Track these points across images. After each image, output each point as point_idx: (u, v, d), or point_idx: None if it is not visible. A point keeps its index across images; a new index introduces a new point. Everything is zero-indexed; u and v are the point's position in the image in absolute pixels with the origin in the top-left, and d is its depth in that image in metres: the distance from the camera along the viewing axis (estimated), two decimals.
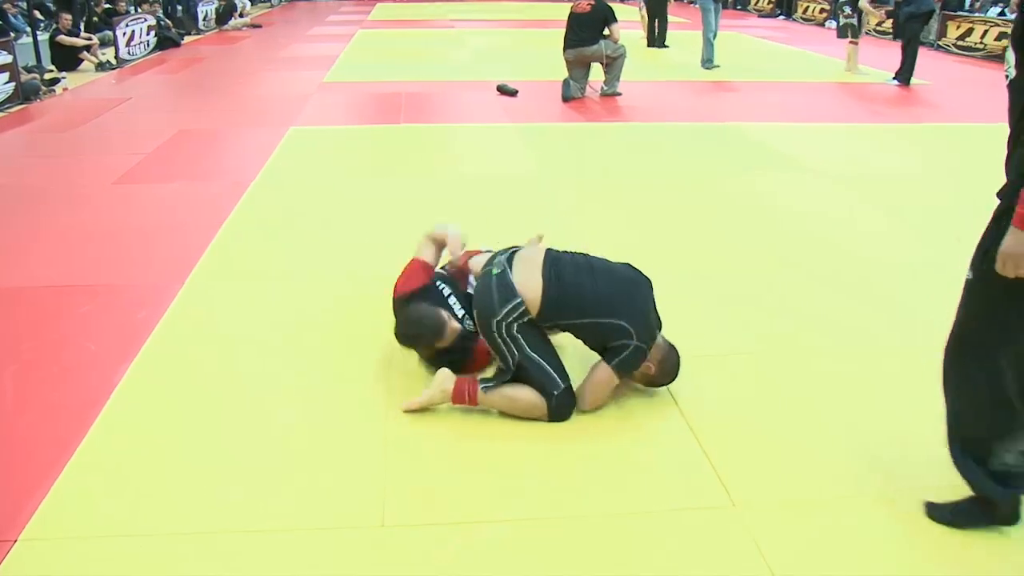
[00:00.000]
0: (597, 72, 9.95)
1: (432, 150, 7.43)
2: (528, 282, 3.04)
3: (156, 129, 8.09)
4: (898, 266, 4.76)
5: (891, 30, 16.40)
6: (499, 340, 3.07)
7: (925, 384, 3.48)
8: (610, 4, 9.60)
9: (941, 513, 2.63)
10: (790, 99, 10.26)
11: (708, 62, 12.16)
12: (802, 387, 3.46)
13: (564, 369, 3.13)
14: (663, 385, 3.30)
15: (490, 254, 3.38)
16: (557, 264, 3.11)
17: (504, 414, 3.16)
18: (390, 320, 3.76)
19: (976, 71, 12.80)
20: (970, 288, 2.50)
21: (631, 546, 2.54)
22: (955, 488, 2.60)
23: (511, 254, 3.20)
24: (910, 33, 10.80)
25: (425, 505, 2.72)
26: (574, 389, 3.13)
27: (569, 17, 9.68)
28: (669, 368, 3.23)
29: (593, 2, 9.49)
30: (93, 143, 7.70)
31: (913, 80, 11.09)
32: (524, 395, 3.10)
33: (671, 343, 3.25)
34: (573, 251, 3.28)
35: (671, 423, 3.16)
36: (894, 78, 11.04)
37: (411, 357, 3.61)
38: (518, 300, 3.01)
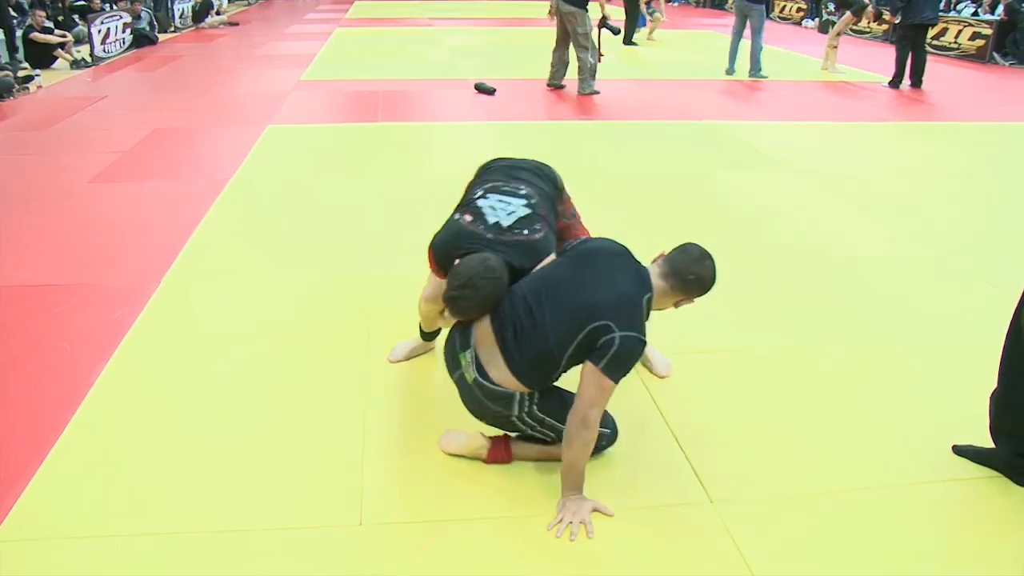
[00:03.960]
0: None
1: (409, 148, 7.42)
2: (503, 377, 2.68)
3: (132, 127, 8.03)
4: (876, 262, 4.82)
5: (868, 29, 16.57)
6: (526, 428, 2.79)
7: (901, 379, 3.55)
8: None
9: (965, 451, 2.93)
10: (768, 97, 10.33)
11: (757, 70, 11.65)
12: (781, 384, 3.50)
13: (607, 415, 2.80)
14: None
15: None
16: (504, 332, 2.69)
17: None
18: (367, 318, 3.77)
19: (951, 70, 12.93)
20: None
21: (609, 543, 2.57)
22: (943, 483, 2.64)
23: (470, 339, 2.77)
24: (898, 40, 11.01)
25: (403, 503, 2.73)
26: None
27: None
28: (704, 284, 2.72)
29: None
30: (68, 141, 7.63)
31: (865, 76, 11.30)
32: (560, 451, 2.76)
33: (686, 260, 2.71)
34: (513, 293, 2.76)
35: (650, 420, 3.18)
36: (890, 83, 11.12)
37: (388, 353, 3.62)
38: (514, 395, 2.70)
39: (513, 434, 2.90)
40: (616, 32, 10.44)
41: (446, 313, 2.90)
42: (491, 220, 2.97)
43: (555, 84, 10.31)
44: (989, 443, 2.94)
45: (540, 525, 2.63)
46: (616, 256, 2.76)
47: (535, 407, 2.73)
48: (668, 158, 7.20)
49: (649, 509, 2.72)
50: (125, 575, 2.41)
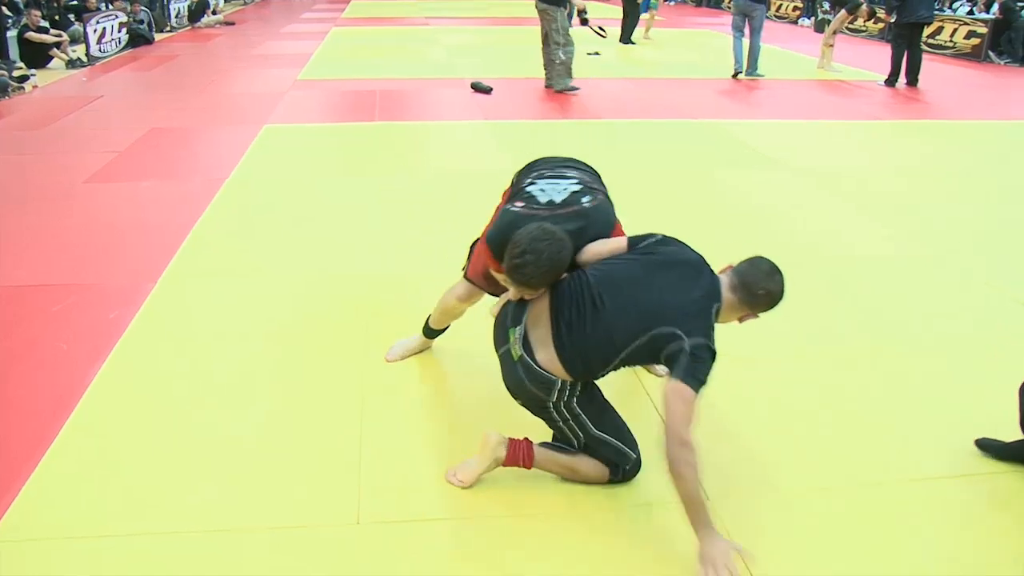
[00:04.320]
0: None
1: (406, 147, 7.42)
2: (550, 361, 2.60)
3: (128, 127, 8.02)
4: (873, 260, 4.83)
5: (863, 28, 16.60)
6: (558, 419, 2.71)
7: (901, 377, 3.56)
8: None
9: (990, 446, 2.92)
10: (764, 96, 10.34)
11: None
12: (779, 382, 3.51)
13: (631, 435, 2.81)
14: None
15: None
16: (561, 317, 2.61)
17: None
18: (364, 317, 3.77)
19: (947, 69, 12.95)
20: None
21: (601, 540, 2.58)
22: (933, 479, 2.64)
23: (523, 316, 2.69)
24: (894, 38, 11.03)
25: (400, 502, 2.73)
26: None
27: None
28: (773, 299, 2.64)
29: None
30: (64, 141, 7.62)
31: (861, 75, 11.35)
32: (585, 468, 2.79)
33: (757, 274, 2.62)
34: (577, 279, 2.68)
35: (646, 417, 3.17)
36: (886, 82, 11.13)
37: (385, 353, 3.62)
38: (556, 381, 2.61)
39: (535, 441, 2.80)
40: (601, 33, 10.39)
41: (511, 293, 2.72)
42: (543, 200, 2.86)
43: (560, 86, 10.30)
44: (1004, 437, 2.96)
45: (540, 523, 2.64)
46: (692, 264, 2.67)
47: (574, 399, 2.66)
48: (664, 157, 7.20)
49: (643, 507, 2.72)
50: (122, 575, 2.40)
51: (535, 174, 3.05)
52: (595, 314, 2.56)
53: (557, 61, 9.86)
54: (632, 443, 2.80)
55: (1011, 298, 4.36)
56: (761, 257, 2.67)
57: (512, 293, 2.71)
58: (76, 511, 2.66)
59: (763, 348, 3.73)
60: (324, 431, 3.11)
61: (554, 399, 2.65)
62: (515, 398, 2.76)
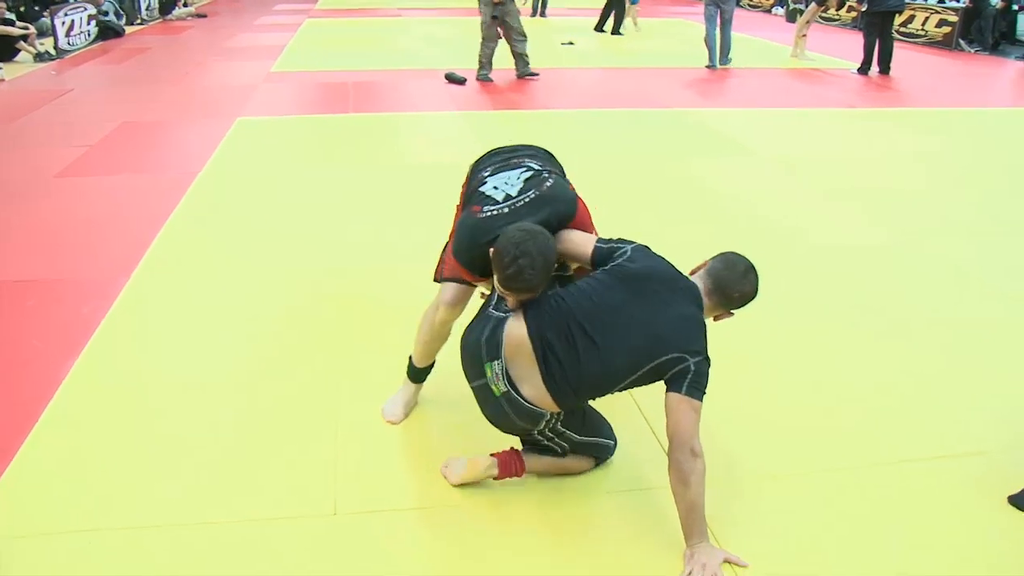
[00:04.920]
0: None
1: (380, 139, 7.40)
2: (538, 395, 2.51)
3: (99, 121, 7.95)
4: (847, 248, 4.88)
5: (836, 16, 16.69)
6: (542, 440, 2.69)
7: (879, 364, 3.60)
8: None
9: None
10: (738, 85, 10.39)
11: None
12: (757, 370, 3.55)
13: (606, 422, 2.85)
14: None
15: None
16: (548, 351, 2.48)
17: None
18: (339, 310, 3.76)
19: (919, 57, 13.07)
20: None
21: (580, 527, 2.60)
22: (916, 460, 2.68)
23: (500, 348, 2.55)
24: (865, 26, 11.12)
25: (377, 492, 2.74)
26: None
27: None
28: (747, 299, 2.65)
29: None
30: (34, 135, 7.54)
31: (834, 63, 11.51)
32: (572, 464, 2.81)
33: (732, 276, 2.61)
34: (555, 305, 2.55)
35: (627, 409, 3.19)
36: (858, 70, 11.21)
37: (361, 346, 3.62)
38: (543, 413, 2.55)
39: (520, 447, 2.79)
40: (462, 82, 10.21)
41: (508, 303, 2.59)
42: (500, 197, 2.74)
43: (523, 73, 10.36)
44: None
45: (516, 511, 2.66)
46: (669, 276, 2.59)
47: (558, 423, 2.63)
48: (639, 146, 7.22)
49: (625, 493, 2.76)
50: (98, 570, 2.40)
51: (486, 171, 2.92)
52: (589, 349, 2.46)
53: (480, 54, 10.08)
54: (610, 432, 2.84)
55: (986, 283, 4.43)
56: (735, 255, 2.63)
57: (512, 302, 2.58)
58: (50, 507, 2.64)
59: (738, 333, 3.75)
60: (300, 423, 3.11)
61: (540, 427, 2.62)
62: (496, 427, 2.68)
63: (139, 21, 16.78)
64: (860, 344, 3.76)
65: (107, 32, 14.19)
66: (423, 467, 2.87)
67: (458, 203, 3.06)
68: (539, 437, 2.68)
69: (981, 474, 2.86)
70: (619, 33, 14.55)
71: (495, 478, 2.75)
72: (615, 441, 2.85)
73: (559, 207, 2.73)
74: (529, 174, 2.81)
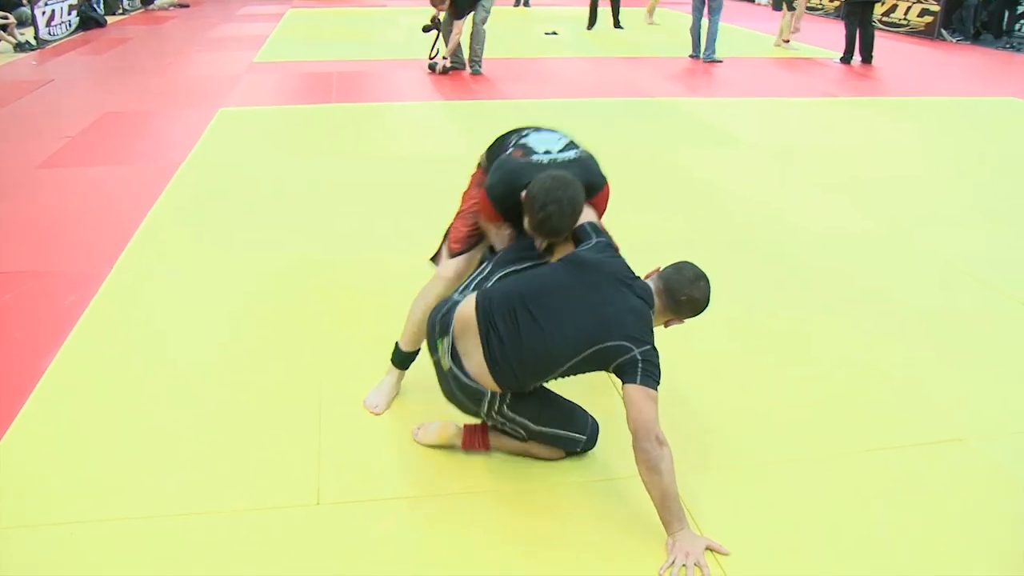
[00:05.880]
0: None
1: (364, 129, 7.39)
2: (480, 373, 2.58)
3: (81, 111, 7.88)
4: (832, 236, 4.91)
5: (819, 6, 16.73)
6: (493, 423, 2.75)
7: (848, 348, 3.64)
8: None
9: None
10: (723, 74, 10.41)
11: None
12: (736, 358, 3.58)
13: (579, 415, 2.82)
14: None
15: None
16: (491, 330, 2.56)
17: None
18: (321, 300, 3.76)
19: (901, 46, 13.12)
20: None
21: (560, 516, 2.62)
22: (892, 449, 2.71)
23: (449, 326, 2.65)
24: (846, 16, 11.15)
25: (360, 482, 2.75)
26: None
27: None
28: (697, 306, 2.67)
29: None
30: (15, 126, 7.48)
31: (818, 52, 11.62)
32: (538, 451, 2.84)
33: (681, 280, 2.63)
34: (505, 288, 2.67)
35: (607, 398, 3.21)
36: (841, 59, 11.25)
37: (345, 336, 3.63)
38: (483, 392, 2.61)
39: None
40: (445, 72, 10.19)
41: (537, 243, 2.76)
42: (541, 149, 2.90)
43: (469, 65, 10.21)
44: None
45: (499, 499, 2.67)
46: (622, 274, 2.63)
47: (505, 406, 2.65)
48: (625, 136, 7.23)
49: (604, 482, 2.77)
50: (81, 562, 2.40)
51: (524, 133, 3.06)
52: (532, 330, 2.52)
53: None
54: (581, 424, 2.81)
55: (968, 273, 4.47)
56: (687, 263, 2.69)
57: (539, 243, 2.78)
58: (33, 500, 2.64)
59: (720, 321, 3.78)
60: (283, 414, 3.11)
61: (484, 410, 2.66)
62: (451, 404, 2.76)
63: (121, 11, 16.64)
64: (842, 333, 3.79)
65: (89, 22, 14.06)
66: (406, 457, 2.88)
67: (468, 185, 3.19)
68: (491, 422, 2.74)
69: (959, 460, 2.90)
70: (619, 27, 14.26)
71: (461, 447, 2.86)
72: (589, 433, 2.82)
73: (592, 177, 2.90)
74: (568, 140, 3.00)
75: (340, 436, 2.98)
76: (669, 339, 3.35)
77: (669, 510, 2.44)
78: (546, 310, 2.54)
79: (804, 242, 4.83)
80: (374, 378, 3.28)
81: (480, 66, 9.96)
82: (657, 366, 2.49)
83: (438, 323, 2.69)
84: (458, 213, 3.17)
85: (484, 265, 2.87)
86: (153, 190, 5.54)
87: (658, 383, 2.48)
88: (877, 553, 2.47)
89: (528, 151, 2.91)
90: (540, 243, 2.78)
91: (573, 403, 2.84)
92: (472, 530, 2.55)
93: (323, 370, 3.40)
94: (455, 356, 2.62)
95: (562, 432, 2.77)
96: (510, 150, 2.97)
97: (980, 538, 2.54)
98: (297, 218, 5.09)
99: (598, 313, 2.51)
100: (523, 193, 2.71)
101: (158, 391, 3.24)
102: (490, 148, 3.16)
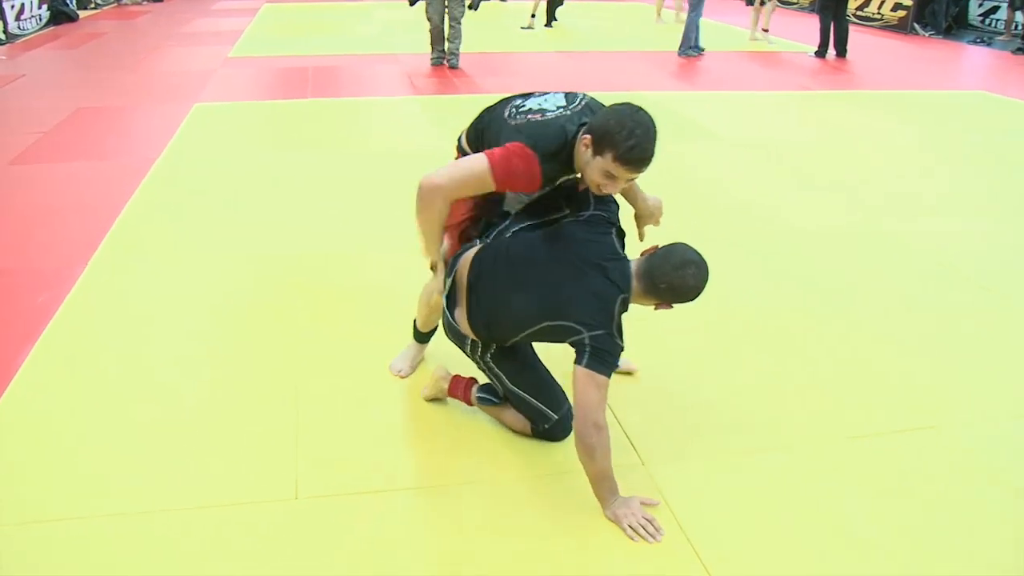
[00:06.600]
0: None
1: (340, 125, 7.36)
2: (461, 318, 2.74)
3: (53, 107, 7.80)
4: (809, 230, 4.95)
5: (794, 0, 16.80)
6: (478, 367, 2.87)
7: (830, 341, 3.67)
8: None
9: None
10: (698, 68, 10.45)
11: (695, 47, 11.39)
12: (717, 353, 3.60)
13: (556, 394, 2.85)
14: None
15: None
16: (476, 281, 2.68)
17: None
18: (297, 295, 3.75)
19: (875, 40, 13.22)
20: None
21: (545, 506, 2.63)
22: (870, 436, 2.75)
23: (454, 266, 2.79)
24: (819, 9, 11.21)
25: (339, 476, 2.75)
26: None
27: None
28: (680, 294, 2.54)
29: None
30: None
31: (793, 47, 11.69)
32: (509, 419, 2.94)
33: (665, 265, 2.53)
34: (500, 246, 2.74)
35: None
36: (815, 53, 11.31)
37: (323, 331, 3.62)
38: (466, 338, 2.75)
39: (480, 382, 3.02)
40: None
41: (608, 188, 2.54)
42: (550, 107, 2.71)
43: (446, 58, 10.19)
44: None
45: (476, 493, 2.68)
46: (596, 252, 2.56)
47: (488, 355, 2.78)
48: None
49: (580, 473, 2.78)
50: (58, 560, 2.38)
51: (515, 103, 2.81)
52: (501, 292, 2.64)
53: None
54: (555, 403, 2.82)
55: (945, 263, 4.51)
56: (681, 245, 2.57)
57: (612, 189, 2.56)
58: (8, 499, 2.62)
59: (700, 317, 3.80)
60: (260, 409, 3.10)
61: (468, 351, 2.81)
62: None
63: (93, 5, 16.46)
64: (822, 323, 3.83)
65: (59, 17, 13.90)
66: (383, 451, 2.88)
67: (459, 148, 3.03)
68: (474, 363, 2.86)
69: (930, 446, 2.94)
70: (550, 25, 14.04)
71: (447, 394, 3.07)
72: (561, 415, 2.81)
73: None
74: (564, 93, 2.83)
75: (318, 431, 2.98)
76: (650, 330, 3.38)
77: (604, 489, 2.54)
78: (510, 279, 2.64)
79: (781, 234, 4.86)
80: (352, 372, 3.29)
81: (457, 60, 9.95)
82: (610, 352, 2.46)
83: (450, 265, 2.82)
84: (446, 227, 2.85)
85: (507, 220, 2.86)
86: (128, 186, 5.50)
87: (611, 369, 2.46)
88: (852, 536, 2.49)
89: (543, 111, 2.69)
90: (613, 187, 2.55)
91: (556, 381, 2.86)
92: (449, 522, 2.55)
93: (300, 365, 3.39)
94: (450, 298, 2.78)
95: (533, 400, 2.81)
96: (518, 118, 2.70)
97: (954, 523, 2.57)
98: (273, 214, 5.06)
99: (553, 292, 2.52)
100: (586, 135, 2.52)
101: (134, 388, 3.23)
102: (474, 127, 2.94)
